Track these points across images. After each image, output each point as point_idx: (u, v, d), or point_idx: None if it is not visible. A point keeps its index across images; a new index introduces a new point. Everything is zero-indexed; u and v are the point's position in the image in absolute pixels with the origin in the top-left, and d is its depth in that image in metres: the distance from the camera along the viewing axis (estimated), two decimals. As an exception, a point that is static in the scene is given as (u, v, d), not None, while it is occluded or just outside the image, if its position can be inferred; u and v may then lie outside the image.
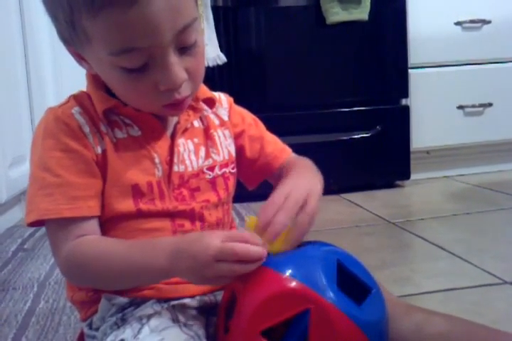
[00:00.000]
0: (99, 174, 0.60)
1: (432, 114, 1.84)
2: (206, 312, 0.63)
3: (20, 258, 1.22)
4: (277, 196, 0.58)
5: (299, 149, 1.99)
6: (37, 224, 0.60)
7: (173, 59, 0.55)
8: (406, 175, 1.82)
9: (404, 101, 1.82)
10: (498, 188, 1.70)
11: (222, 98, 0.72)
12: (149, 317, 0.58)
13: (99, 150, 0.60)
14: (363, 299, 0.54)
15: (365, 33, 1.74)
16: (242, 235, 0.53)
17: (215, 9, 1.60)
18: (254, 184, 0.75)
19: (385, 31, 1.76)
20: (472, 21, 1.82)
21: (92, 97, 0.62)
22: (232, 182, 0.69)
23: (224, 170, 0.68)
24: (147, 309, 0.60)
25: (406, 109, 1.80)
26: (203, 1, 1.54)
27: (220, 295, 0.62)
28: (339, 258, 0.56)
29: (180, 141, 0.65)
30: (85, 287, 0.64)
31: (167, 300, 0.62)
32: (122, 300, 0.62)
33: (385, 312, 0.56)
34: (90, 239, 0.59)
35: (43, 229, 1.46)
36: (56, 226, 0.59)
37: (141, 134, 0.62)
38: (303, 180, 0.63)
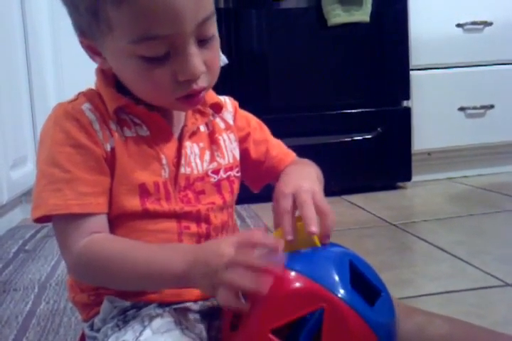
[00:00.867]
0: (108, 171, 0.60)
1: (434, 116, 1.84)
2: (208, 316, 0.63)
3: (22, 259, 1.23)
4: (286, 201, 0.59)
5: (300, 151, 1.99)
6: (44, 220, 0.59)
7: (194, 50, 0.55)
8: (407, 177, 1.82)
9: (405, 103, 1.82)
10: (500, 190, 1.69)
11: (228, 102, 0.73)
12: (151, 319, 0.58)
13: (108, 147, 0.60)
14: (374, 300, 0.54)
15: (367, 34, 1.74)
16: (256, 238, 0.52)
17: (216, 11, 1.60)
18: (258, 187, 0.75)
19: (386, 33, 1.76)
20: (474, 23, 1.82)
21: (103, 95, 0.62)
22: (237, 186, 0.69)
23: (229, 173, 0.68)
24: (149, 311, 0.60)
25: (407, 111, 1.80)
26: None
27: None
28: (351, 259, 0.56)
29: (188, 144, 0.65)
30: (88, 288, 0.64)
31: (169, 304, 0.61)
32: (125, 302, 0.62)
33: (395, 315, 0.56)
34: (104, 238, 0.59)
35: (44, 231, 1.47)
36: (65, 223, 0.59)
37: (149, 134, 0.62)
38: (301, 180, 0.64)
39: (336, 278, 0.53)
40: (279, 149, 0.74)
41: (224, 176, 0.67)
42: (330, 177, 1.91)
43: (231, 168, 0.68)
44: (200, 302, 0.63)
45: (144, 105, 0.62)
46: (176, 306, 0.61)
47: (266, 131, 0.75)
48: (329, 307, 0.50)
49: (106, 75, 0.64)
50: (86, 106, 0.61)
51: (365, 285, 0.55)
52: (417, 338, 0.62)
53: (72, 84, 1.62)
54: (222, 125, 0.70)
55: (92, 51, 0.61)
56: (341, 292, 0.51)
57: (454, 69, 1.84)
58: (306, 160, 0.75)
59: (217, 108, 0.69)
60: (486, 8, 1.83)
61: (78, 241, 0.57)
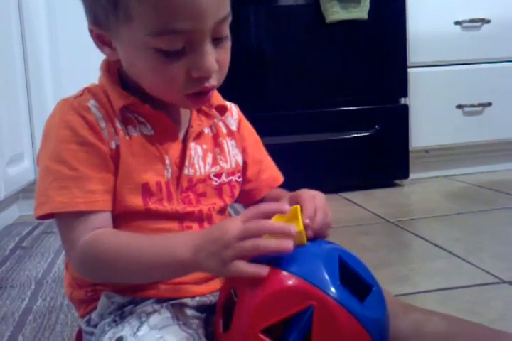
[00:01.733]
0: (113, 169, 0.60)
1: (431, 113, 1.84)
2: (205, 311, 0.63)
3: (18, 256, 1.22)
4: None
5: (297, 148, 1.99)
6: (46, 216, 0.59)
7: (209, 47, 0.56)
8: (405, 175, 1.82)
9: (403, 101, 1.82)
10: (497, 188, 1.70)
11: (234, 109, 0.73)
12: (148, 314, 0.58)
13: (113, 145, 0.60)
14: (365, 296, 0.54)
15: (365, 32, 1.74)
16: (257, 209, 0.54)
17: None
18: (232, 201, 0.73)
19: (384, 30, 1.75)
20: (472, 21, 1.82)
21: (109, 92, 0.61)
22: (237, 191, 0.69)
23: (231, 178, 0.68)
24: (147, 307, 0.60)
25: (405, 108, 1.80)
26: None
27: (220, 296, 0.62)
28: (341, 255, 0.56)
29: (192, 145, 0.65)
30: (85, 284, 0.64)
31: (166, 299, 0.61)
32: (122, 298, 0.62)
33: (386, 310, 0.56)
34: (109, 231, 0.58)
35: (41, 228, 1.47)
36: (69, 219, 0.58)
37: (153, 134, 0.62)
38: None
39: (325, 275, 0.52)
40: (270, 173, 0.74)
41: (226, 180, 0.67)
42: (327, 175, 1.93)
43: (233, 173, 0.68)
44: (198, 298, 0.63)
45: (149, 104, 0.61)
46: (173, 302, 0.61)
47: (262, 150, 0.75)
48: (319, 305, 0.50)
49: (111, 72, 0.63)
50: (92, 103, 0.60)
51: (355, 280, 0.55)
52: (414, 336, 0.62)
53: (69, 80, 1.62)
54: (224, 130, 0.70)
55: (102, 41, 0.60)
56: (331, 289, 0.51)
57: (452, 66, 1.84)
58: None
59: (222, 110, 0.69)
60: (483, 5, 1.83)
61: (83, 236, 0.57)
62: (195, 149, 0.65)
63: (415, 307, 0.67)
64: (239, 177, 0.69)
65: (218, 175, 0.67)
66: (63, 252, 1.04)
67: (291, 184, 1.92)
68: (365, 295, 0.54)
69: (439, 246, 1.18)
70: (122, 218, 0.61)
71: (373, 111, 1.78)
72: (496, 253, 1.11)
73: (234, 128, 0.71)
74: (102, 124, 0.60)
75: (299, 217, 0.55)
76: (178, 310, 0.60)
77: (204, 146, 0.66)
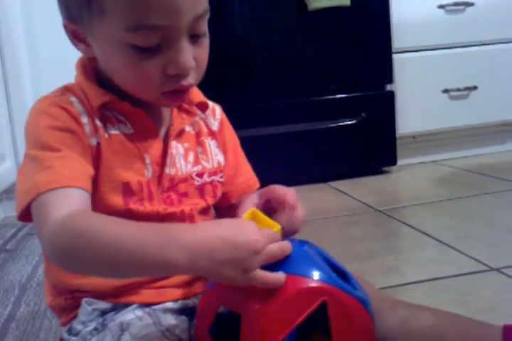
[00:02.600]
0: (92, 164, 0.58)
1: (417, 99, 1.83)
2: (189, 314, 0.62)
3: (2, 259, 1.20)
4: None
5: (284, 138, 1.97)
6: (28, 217, 0.54)
7: (186, 44, 0.55)
8: (393, 161, 1.82)
9: (388, 87, 1.80)
10: (485, 172, 1.69)
11: (217, 109, 0.71)
12: (130, 322, 0.57)
13: (94, 142, 0.58)
14: (349, 282, 0.55)
15: (348, 18, 1.71)
16: (272, 238, 0.53)
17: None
18: (214, 202, 0.71)
19: (367, 16, 1.73)
20: (455, 4, 1.80)
21: (86, 90, 0.60)
22: (219, 191, 0.68)
23: (212, 177, 0.67)
24: (128, 314, 0.59)
25: (391, 95, 1.78)
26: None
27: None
28: (315, 247, 0.57)
29: (173, 144, 0.63)
30: (65, 291, 0.62)
31: (149, 304, 0.60)
32: (103, 305, 0.60)
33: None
34: (90, 212, 0.53)
35: (26, 229, 1.45)
36: (49, 197, 0.52)
37: (133, 132, 0.61)
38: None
39: (323, 269, 0.53)
40: (245, 178, 0.72)
41: (208, 180, 0.66)
42: (315, 164, 1.92)
43: (215, 173, 0.67)
44: (181, 301, 0.62)
45: (128, 102, 0.60)
46: (156, 307, 0.60)
47: (240, 154, 0.73)
48: (331, 298, 0.51)
49: (87, 70, 0.62)
50: (74, 99, 0.59)
51: (334, 269, 0.56)
52: (402, 332, 0.61)
53: (49, 79, 1.58)
54: (205, 129, 0.68)
55: (76, 37, 0.59)
56: (334, 281, 0.52)
57: (437, 51, 1.82)
58: None
59: (203, 107, 0.68)
60: (466, -12, 1.81)
61: (60, 210, 0.50)
62: (176, 148, 0.63)
63: (402, 302, 0.66)
64: (221, 177, 0.68)
65: (200, 175, 0.65)
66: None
67: (279, 174, 1.91)
68: (347, 280, 0.55)
69: (428, 234, 1.17)
70: None
71: (359, 98, 1.76)
72: (485, 240, 1.10)
73: (215, 128, 0.70)
74: (85, 119, 0.58)
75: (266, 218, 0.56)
76: (161, 315, 0.59)
77: (185, 145, 0.65)
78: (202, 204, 0.65)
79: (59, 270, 0.59)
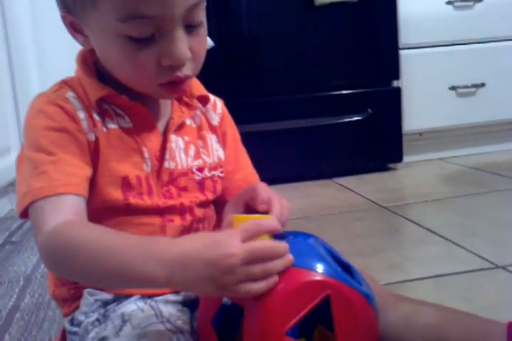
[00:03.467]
0: (89, 161, 0.58)
1: (424, 96, 1.82)
2: (191, 305, 0.62)
3: (7, 251, 1.21)
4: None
5: (289, 133, 1.97)
6: (27, 214, 0.55)
7: (181, 34, 0.54)
8: (398, 158, 1.81)
9: (395, 83, 1.79)
10: (491, 170, 1.68)
11: (218, 103, 0.71)
12: (131, 313, 0.57)
13: (92, 137, 0.58)
14: (353, 276, 0.55)
15: (355, 14, 1.70)
16: (258, 224, 0.50)
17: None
18: (214, 197, 0.70)
19: (375, 12, 1.72)
20: (464, 0, 1.78)
21: (85, 84, 0.60)
22: (220, 186, 0.67)
23: (213, 172, 0.66)
24: (130, 305, 0.59)
25: (397, 91, 1.77)
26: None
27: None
28: (320, 241, 0.57)
29: (173, 137, 0.63)
30: (67, 282, 0.62)
31: (151, 295, 0.60)
32: (105, 296, 0.60)
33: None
34: (79, 222, 0.54)
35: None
36: (44, 205, 0.53)
37: (131, 126, 0.60)
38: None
39: (327, 262, 0.52)
40: (244, 174, 0.71)
41: (208, 175, 0.65)
42: (320, 160, 1.91)
43: (215, 168, 0.67)
44: (183, 293, 0.61)
45: (126, 96, 0.59)
46: (157, 298, 0.60)
47: (240, 149, 0.72)
48: (334, 292, 0.50)
49: (87, 63, 0.61)
50: (70, 95, 0.59)
51: (339, 262, 0.55)
52: (405, 328, 0.61)
53: (54, 71, 1.58)
54: (206, 124, 0.68)
55: (74, 28, 0.58)
56: (337, 275, 0.52)
57: (444, 47, 1.81)
58: None
59: (204, 101, 0.67)
60: (476, -16, 1.79)
61: (53, 220, 0.52)
62: (176, 141, 0.63)
63: (405, 297, 0.66)
64: (221, 173, 0.67)
65: (201, 170, 0.65)
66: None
67: (284, 170, 1.91)
68: (351, 274, 0.55)
69: (433, 231, 1.17)
70: (102, 213, 0.59)
71: (365, 94, 1.76)
72: (490, 238, 1.10)
73: (215, 122, 0.69)
74: (81, 115, 0.58)
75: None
76: (162, 306, 0.59)
77: (186, 138, 0.64)
78: (201, 198, 0.65)
79: None
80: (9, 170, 1.48)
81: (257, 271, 0.47)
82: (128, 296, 0.60)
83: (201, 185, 0.65)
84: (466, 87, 1.83)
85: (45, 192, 0.54)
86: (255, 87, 1.69)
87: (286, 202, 0.59)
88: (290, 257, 0.50)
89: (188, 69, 0.57)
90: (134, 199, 0.59)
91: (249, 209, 0.60)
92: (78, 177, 0.56)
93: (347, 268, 0.55)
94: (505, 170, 1.65)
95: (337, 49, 1.72)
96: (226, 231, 0.50)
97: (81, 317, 0.61)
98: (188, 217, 0.63)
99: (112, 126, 0.60)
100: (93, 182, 0.58)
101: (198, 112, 0.67)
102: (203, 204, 0.65)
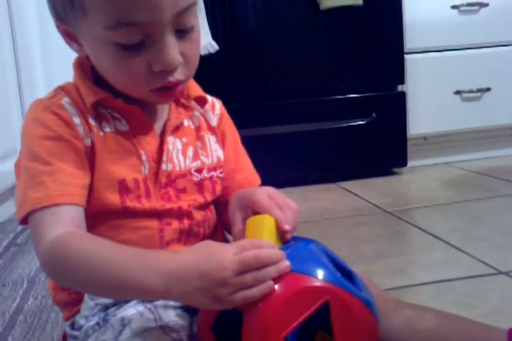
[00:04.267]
0: (87, 166, 0.59)
1: (429, 100, 1.81)
2: (191, 311, 0.62)
3: (12, 253, 1.21)
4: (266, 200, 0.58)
5: (294, 137, 1.96)
6: (27, 220, 0.57)
7: (171, 40, 0.54)
8: (403, 162, 1.80)
9: (400, 88, 1.79)
10: (496, 174, 1.68)
11: (216, 104, 0.71)
12: (131, 318, 0.57)
13: (89, 142, 0.59)
14: (354, 282, 0.55)
15: (360, 18, 1.70)
16: (252, 242, 0.51)
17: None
18: (213, 198, 0.71)
19: (380, 16, 1.72)
20: (469, 4, 1.78)
21: (80, 89, 0.60)
22: (219, 187, 0.67)
23: (212, 173, 0.66)
24: (130, 309, 0.59)
25: (402, 95, 1.77)
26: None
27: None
28: (322, 247, 0.57)
29: (170, 139, 0.63)
30: (66, 286, 0.63)
31: (151, 300, 0.60)
32: (106, 300, 0.60)
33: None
34: (79, 234, 0.55)
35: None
36: (42, 215, 0.55)
37: (128, 129, 0.61)
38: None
39: (327, 268, 0.53)
40: (245, 174, 0.71)
41: (207, 176, 0.66)
42: (324, 164, 1.91)
43: (215, 169, 0.67)
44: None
45: (122, 99, 0.60)
46: (157, 303, 0.60)
47: (240, 149, 0.72)
48: (333, 298, 0.50)
49: (83, 68, 0.62)
50: (65, 101, 0.60)
51: (339, 268, 0.55)
52: (406, 333, 0.61)
53: (60, 73, 1.59)
54: (204, 124, 0.68)
55: (69, 36, 0.59)
56: (337, 281, 0.52)
57: (450, 52, 1.80)
58: None
59: (202, 102, 0.67)
60: (481, -12, 1.79)
61: (53, 231, 0.54)
62: (173, 143, 0.63)
63: (406, 303, 0.66)
64: (220, 173, 0.68)
65: (199, 171, 0.65)
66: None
67: (288, 174, 1.90)
68: (353, 281, 0.55)
69: (436, 236, 1.16)
70: (99, 217, 0.60)
71: (370, 98, 1.75)
72: (493, 243, 1.09)
73: (214, 123, 0.69)
74: (77, 121, 0.59)
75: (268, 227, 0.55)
76: (162, 311, 0.59)
77: (184, 139, 0.65)
78: (200, 200, 0.65)
79: None
80: (14, 172, 1.49)
81: (248, 280, 0.48)
82: (128, 300, 0.60)
83: (200, 186, 0.65)
84: (471, 91, 1.82)
85: (42, 202, 0.55)
86: (260, 90, 1.70)
87: (293, 203, 0.59)
88: (286, 264, 0.50)
89: (180, 74, 0.57)
90: (131, 203, 0.59)
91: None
92: (75, 186, 0.57)
93: (348, 275, 0.55)
94: (510, 175, 1.64)
95: (342, 53, 1.72)
96: (220, 245, 0.51)
97: (81, 321, 0.61)
98: (186, 221, 0.63)
99: (109, 129, 0.60)
100: (90, 187, 0.59)
101: (197, 113, 0.67)
102: (202, 207, 0.65)
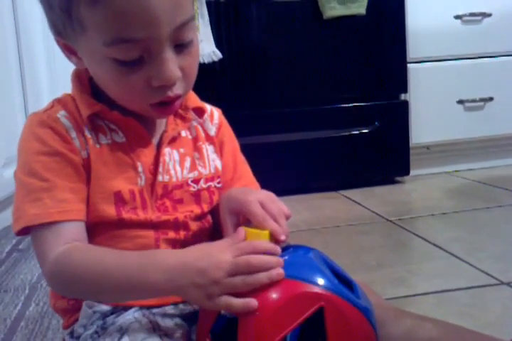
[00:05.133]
0: (85, 179, 0.59)
1: (432, 109, 1.82)
2: (189, 319, 0.62)
3: (14, 259, 1.22)
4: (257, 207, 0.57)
5: (297, 146, 1.97)
6: (25, 232, 0.58)
7: (169, 55, 0.54)
8: (405, 171, 1.80)
9: (403, 97, 1.79)
10: (498, 184, 1.67)
11: (215, 114, 0.71)
12: (129, 326, 0.57)
13: (85, 154, 0.59)
14: (353, 290, 0.55)
15: (363, 27, 1.71)
16: (253, 245, 0.52)
17: (213, 4, 1.58)
18: (210, 209, 0.71)
19: (383, 25, 1.73)
20: (472, 14, 1.79)
21: (77, 101, 0.61)
22: (216, 197, 0.67)
23: (209, 183, 0.66)
24: (128, 317, 0.59)
25: (405, 104, 1.78)
26: (197, -3, 1.52)
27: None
28: (321, 254, 0.57)
29: (167, 150, 0.63)
30: (74, 297, 0.63)
31: (149, 307, 0.60)
32: (104, 307, 0.61)
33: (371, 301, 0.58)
34: (81, 247, 0.57)
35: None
36: (43, 232, 0.57)
37: (125, 141, 0.61)
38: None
39: (324, 274, 0.53)
40: (243, 183, 0.70)
41: (204, 186, 0.65)
42: (327, 172, 1.91)
43: (212, 179, 0.67)
44: (181, 306, 0.62)
45: (118, 111, 0.60)
46: (155, 310, 0.60)
47: (239, 158, 0.72)
48: (328, 304, 0.51)
49: (81, 80, 0.63)
50: (61, 114, 0.60)
51: (339, 277, 0.55)
52: (407, 341, 0.61)
53: (65, 82, 1.60)
54: (202, 134, 0.68)
55: (68, 50, 0.59)
56: (333, 287, 0.52)
57: (453, 61, 1.81)
58: None
59: (200, 112, 0.68)
60: (484, -2, 1.80)
61: (55, 248, 0.56)
62: (169, 154, 0.63)
63: (407, 312, 0.66)
64: (218, 183, 0.67)
65: (196, 181, 0.65)
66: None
67: (290, 182, 1.90)
68: (352, 288, 0.55)
69: (438, 246, 1.16)
70: (97, 228, 0.60)
71: (373, 107, 1.76)
72: (495, 254, 1.09)
73: (212, 133, 0.69)
74: (73, 134, 0.59)
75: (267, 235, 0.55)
76: (160, 319, 0.59)
77: (181, 150, 0.65)
78: (197, 211, 0.64)
79: None
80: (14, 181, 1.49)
81: (238, 282, 0.50)
82: (126, 308, 0.60)
83: (197, 196, 0.65)
84: (474, 100, 1.83)
85: (40, 219, 0.56)
86: (263, 99, 1.70)
87: (286, 208, 0.58)
88: (278, 271, 0.51)
89: (179, 89, 0.57)
90: (127, 215, 0.60)
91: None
92: (73, 202, 0.58)
93: (348, 283, 0.55)
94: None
95: (345, 62, 1.73)
96: (221, 247, 0.53)
97: (80, 330, 0.61)
98: (182, 232, 0.63)
99: (105, 141, 0.60)
100: (87, 199, 0.59)
101: (195, 123, 0.67)
102: (198, 218, 0.65)
